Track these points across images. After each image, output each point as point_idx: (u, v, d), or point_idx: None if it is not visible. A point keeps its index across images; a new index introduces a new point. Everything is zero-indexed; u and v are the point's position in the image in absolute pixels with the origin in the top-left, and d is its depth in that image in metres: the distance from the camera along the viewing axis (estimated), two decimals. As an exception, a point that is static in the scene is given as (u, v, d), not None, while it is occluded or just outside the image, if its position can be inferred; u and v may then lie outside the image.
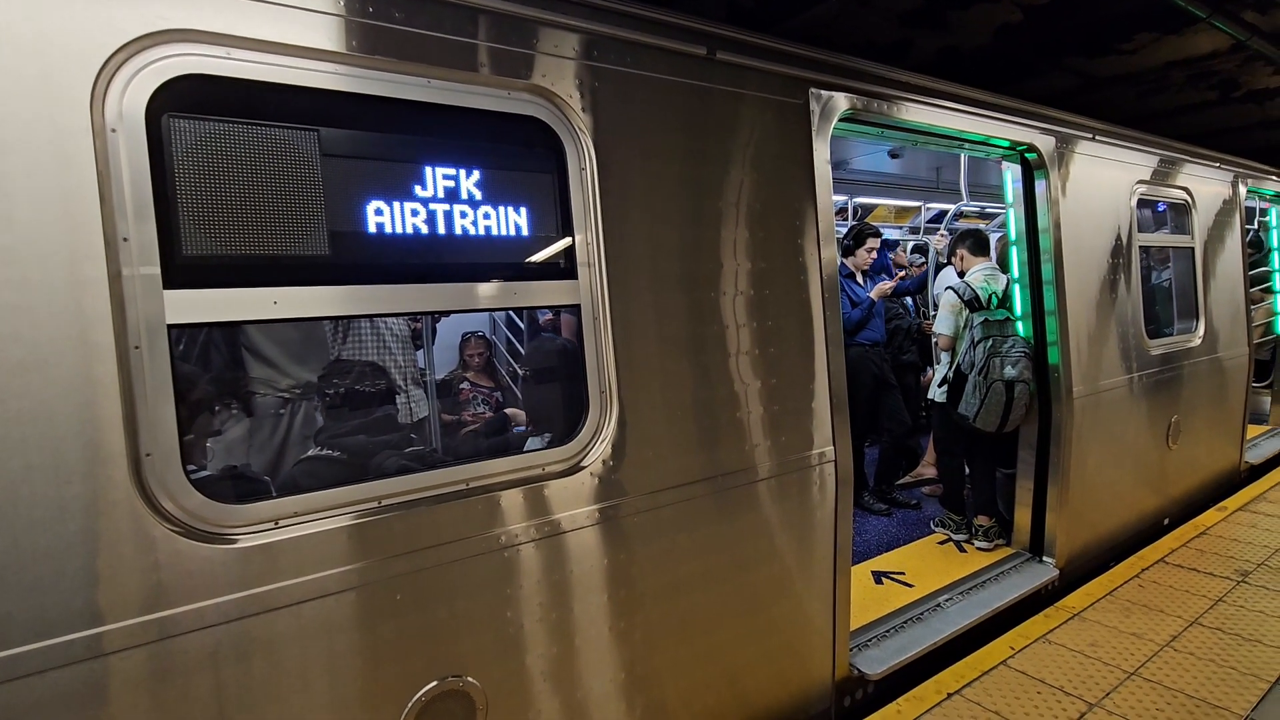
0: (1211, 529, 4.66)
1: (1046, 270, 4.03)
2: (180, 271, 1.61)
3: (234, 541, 1.66)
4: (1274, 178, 6.65)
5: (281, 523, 1.72)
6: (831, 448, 2.86)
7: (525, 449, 2.49)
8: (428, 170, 1.96)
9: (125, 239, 1.54)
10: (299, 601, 1.73)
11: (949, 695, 2.91)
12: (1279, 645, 3.16)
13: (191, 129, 1.64)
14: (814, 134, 2.86)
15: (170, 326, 1.60)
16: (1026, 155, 4.03)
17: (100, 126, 1.52)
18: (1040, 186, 4.03)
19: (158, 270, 1.58)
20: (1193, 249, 5.41)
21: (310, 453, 2.43)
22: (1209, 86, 5.87)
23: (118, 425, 1.52)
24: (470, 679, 2.00)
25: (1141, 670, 3.03)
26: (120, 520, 1.52)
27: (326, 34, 1.79)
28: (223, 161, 1.68)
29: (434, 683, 1.93)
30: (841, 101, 2.97)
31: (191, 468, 1.71)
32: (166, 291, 1.59)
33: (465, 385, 4.05)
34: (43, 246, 1.45)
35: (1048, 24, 4.40)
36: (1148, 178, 4.94)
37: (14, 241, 1.43)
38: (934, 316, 4.86)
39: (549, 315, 3.67)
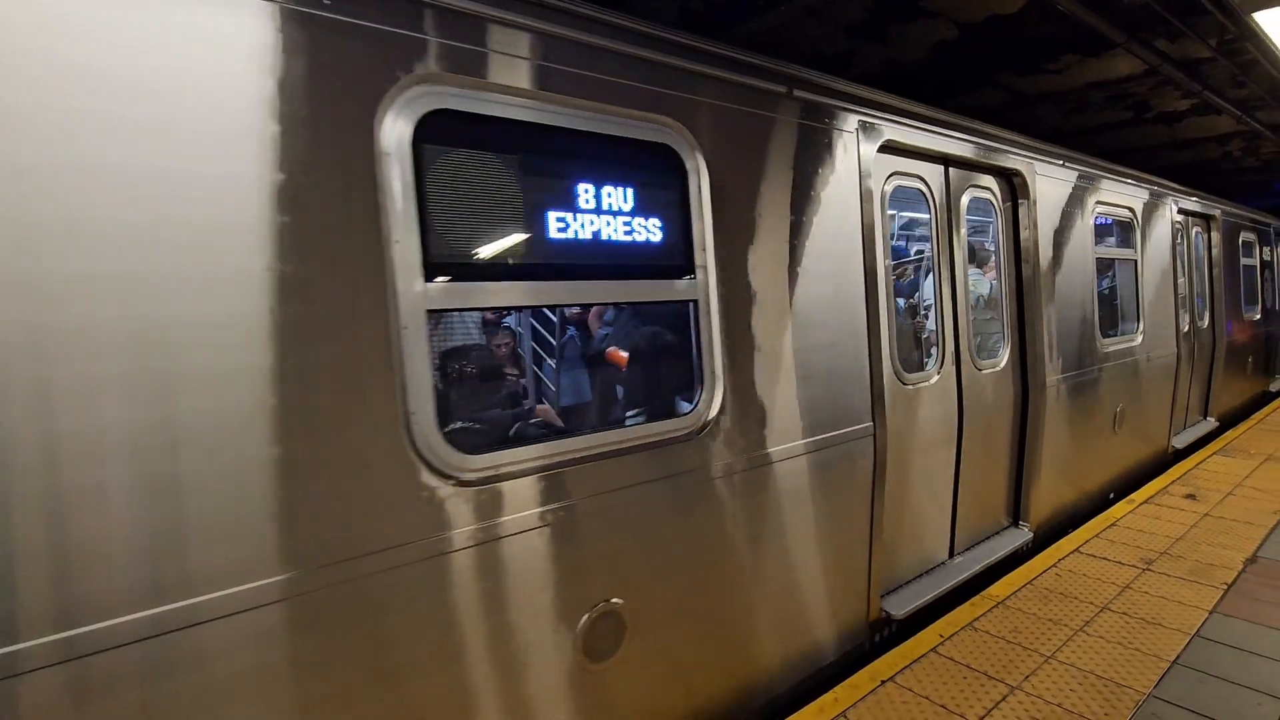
0: (1121, 520, 5.00)
1: (1027, 278, 4.65)
2: (434, 269, 2.00)
3: (471, 484, 2.05)
4: (1194, 199, 7.51)
5: (502, 469, 2.12)
6: (872, 424, 3.37)
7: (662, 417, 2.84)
8: (592, 187, 2.40)
9: (393, 240, 1.92)
10: (515, 533, 2.14)
11: (882, 682, 3.04)
12: (1178, 627, 3.43)
13: (439, 154, 2.05)
14: (861, 157, 3.38)
15: (429, 311, 1.99)
16: (1012, 178, 4.62)
17: (380, 153, 1.90)
18: (1023, 205, 4.64)
19: (420, 267, 1.96)
20: (1136, 260, 6.20)
21: (524, 412, 3.14)
22: (1125, 107, 6.27)
23: (395, 390, 1.91)
24: (615, 600, 2.42)
25: (1058, 654, 3.24)
26: (397, 463, 1.91)
27: (532, 78, 2.22)
28: (459, 181, 2.13)
29: (600, 603, 2.37)
30: (881, 131, 3.51)
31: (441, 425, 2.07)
32: (425, 284, 1.98)
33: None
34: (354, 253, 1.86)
35: (981, 42, 4.62)
36: (1103, 198, 5.66)
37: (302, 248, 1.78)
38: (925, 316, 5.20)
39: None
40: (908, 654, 3.27)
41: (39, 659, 1.43)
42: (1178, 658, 3.15)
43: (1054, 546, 4.57)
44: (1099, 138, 7.06)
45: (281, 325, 1.72)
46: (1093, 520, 5.05)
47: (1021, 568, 4.25)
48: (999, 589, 3.94)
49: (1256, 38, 4.64)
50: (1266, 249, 10.21)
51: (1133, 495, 5.59)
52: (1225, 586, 3.84)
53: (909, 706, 2.87)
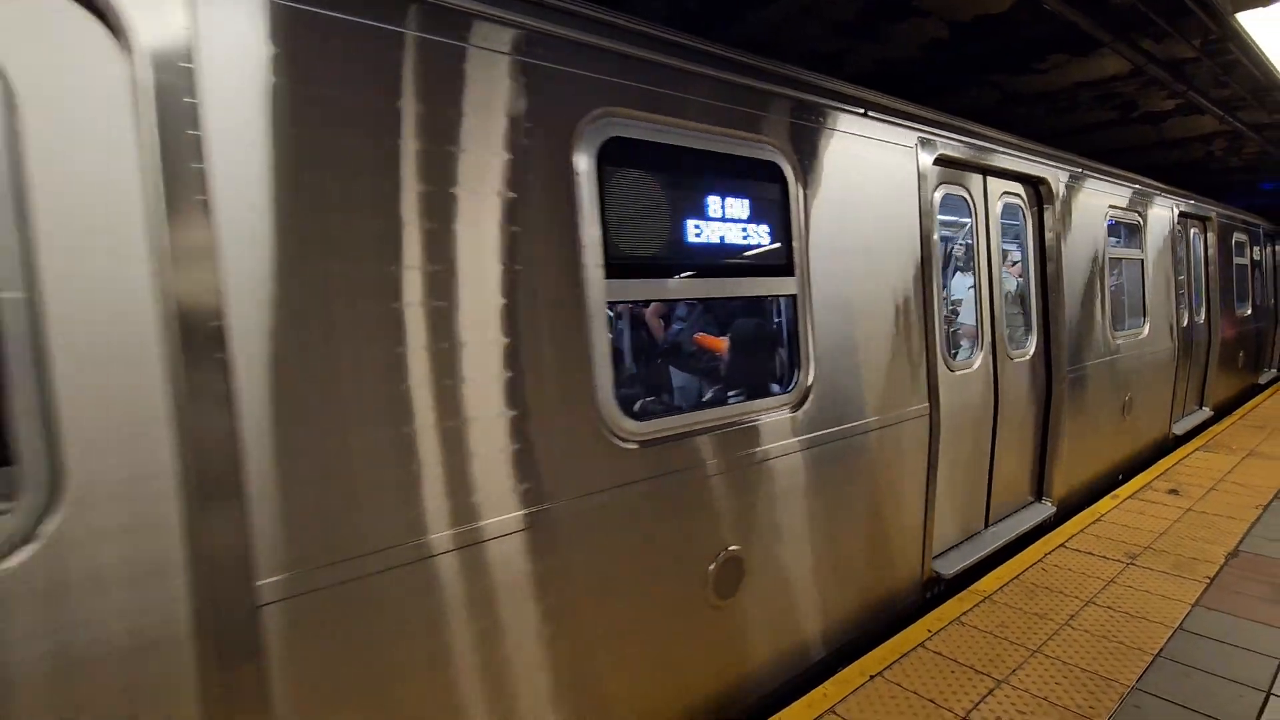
0: (1106, 516, 5.07)
1: (1051, 276, 5.07)
2: (610, 268, 2.41)
3: (636, 445, 2.49)
4: (1192, 201, 7.91)
5: (658, 434, 2.57)
6: (929, 405, 3.82)
7: (766, 395, 3.25)
8: (719, 199, 2.82)
9: (585, 245, 2.33)
10: (669, 485, 2.59)
11: (871, 678, 3.07)
12: (1161, 621, 3.48)
13: (613, 173, 2.45)
14: (919, 167, 3.79)
15: (608, 303, 2.41)
16: (1038, 186, 5.02)
17: (575, 173, 2.32)
18: (1048, 211, 5.06)
19: (603, 266, 2.37)
20: (1142, 260, 6.69)
21: (674, 388, 3.82)
22: (1112, 107, 6.33)
23: (587, 366, 2.34)
24: (734, 547, 2.84)
25: (1044, 648, 3.28)
26: (591, 425, 2.36)
27: (680, 108, 2.65)
28: (625, 194, 2.51)
29: (723, 550, 2.79)
30: (936, 145, 3.93)
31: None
32: (606, 280, 2.39)
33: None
34: (560, 253, 2.30)
35: (971, 42, 4.64)
36: (1115, 203, 6.10)
37: (548, 246, 2.27)
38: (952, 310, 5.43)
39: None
40: (896, 649, 3.31)
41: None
42: (1161, 650, 3.20)
43: (1041, 541, 4.63)
44: (1089, 137, 7.13)
45: (522, 315, 2.18)
46: (1078, 515, 5.12)
47: (1009, 563, 4.29)
48: (986, 584, 3.99)
49: (1239, 38, 4.70)
50: (1256, 248, 10.63)
51: (1117, 491, 5.67)
52: (1208, 580, 3.90)
53: (897, 701, 2.90)
